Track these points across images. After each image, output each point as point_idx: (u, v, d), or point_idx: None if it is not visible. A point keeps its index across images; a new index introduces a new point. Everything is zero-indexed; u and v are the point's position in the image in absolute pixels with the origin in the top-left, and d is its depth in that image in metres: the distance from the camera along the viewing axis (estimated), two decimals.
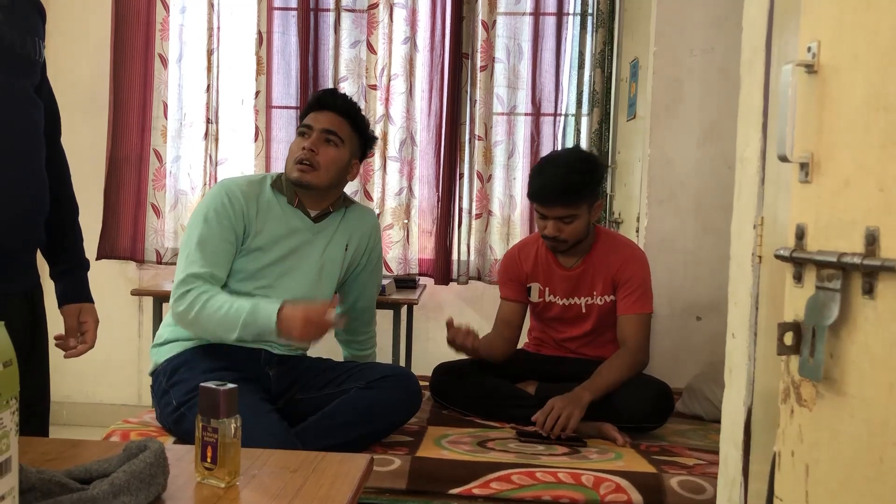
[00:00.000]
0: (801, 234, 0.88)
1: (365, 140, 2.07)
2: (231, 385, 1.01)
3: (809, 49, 0.88)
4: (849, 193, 0.81)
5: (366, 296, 2.20)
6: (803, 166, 0.88)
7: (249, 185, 1.98)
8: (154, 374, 1.93)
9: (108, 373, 3.52)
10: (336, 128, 1.97)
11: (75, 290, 1.59)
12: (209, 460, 0.98)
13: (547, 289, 2.34)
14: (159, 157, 3.36)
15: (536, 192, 2.19)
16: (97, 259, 3.31)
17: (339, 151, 1.97)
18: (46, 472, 0.85)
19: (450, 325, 2.19)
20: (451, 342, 2.19)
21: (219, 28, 3.36)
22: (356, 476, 1.02)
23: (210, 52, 3.35)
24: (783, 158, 0.90)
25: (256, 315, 1.76)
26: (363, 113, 2.08)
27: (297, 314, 1.74)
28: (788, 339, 0.87)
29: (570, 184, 2.15)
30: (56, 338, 1.57)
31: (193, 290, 1.82)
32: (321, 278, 2.02)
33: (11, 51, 1.33)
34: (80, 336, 1.58)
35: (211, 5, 3.33)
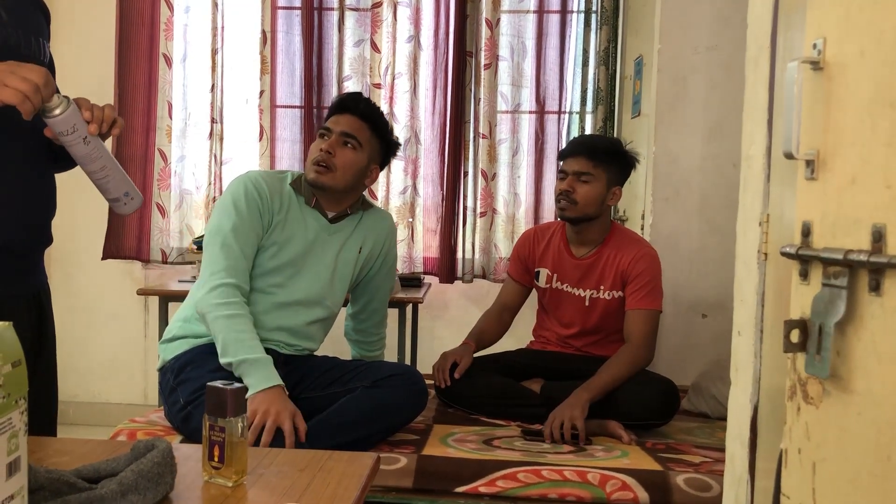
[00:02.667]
0: (807, 232, 0.88)
1: (387, 146, 2.07)
2: (238, 384, 1.01)
3: (815, 46, 0.87)
4: (855, 190, 0.81)
5: (378, 297, 2.20)
6: (809, 163, 0.88)
7: (272, 178, 2.00)
8: (162, 370, 1.94)
9: (115, 372, 3.53)
10: (355, 131, 1.97)
11: None
12: (216, 459, 0.98)
13: (555, 275, 2.35)
14: (164, 157, 3.37)
15: (564, 148, 2.36)
16: (103, 259, 3.30)
17: (357, 155, 1.98)
18: (55, 471, 0.85)
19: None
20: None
21: (223, 28, 3.37)
22: (363, 475, 1.02)
23: (214, 52, 3.35)
24: (789, 155, 0.90)
25: (243, 368, 1.77)
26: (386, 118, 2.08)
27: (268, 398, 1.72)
28: (795, 336, 0.87)
29: (597, 143, 2.35)
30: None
31: (229, 290, 1.84)
32: (334, 279, 2.03)
33: (17, 52, 1.33)
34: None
35: (215, 5, 3.34)
